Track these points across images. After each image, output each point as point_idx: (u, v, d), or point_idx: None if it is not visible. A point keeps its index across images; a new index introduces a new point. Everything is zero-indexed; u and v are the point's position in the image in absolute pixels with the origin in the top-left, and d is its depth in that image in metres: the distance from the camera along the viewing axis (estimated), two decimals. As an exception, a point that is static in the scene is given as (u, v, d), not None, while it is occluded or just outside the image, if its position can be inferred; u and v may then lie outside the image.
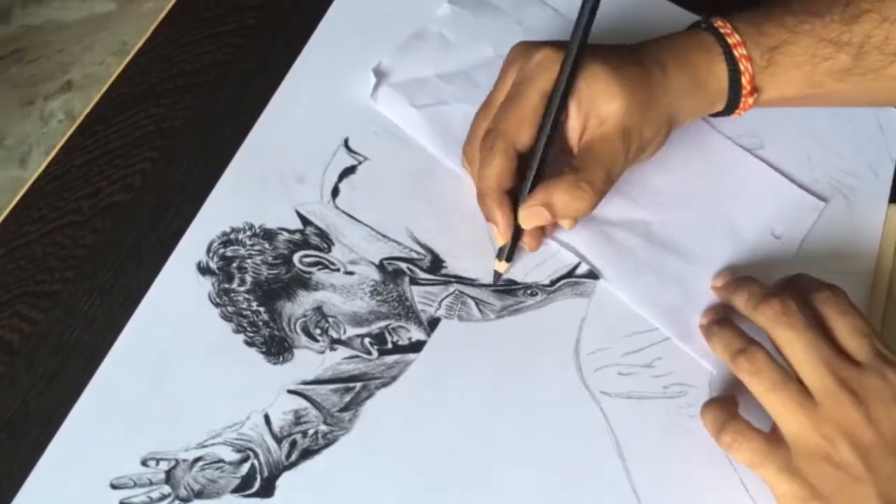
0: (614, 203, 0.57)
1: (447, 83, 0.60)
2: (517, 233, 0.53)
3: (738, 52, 0.52)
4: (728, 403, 0.50)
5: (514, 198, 0.53)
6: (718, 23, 0.53)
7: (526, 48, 0.53)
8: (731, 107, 0.54)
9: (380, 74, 0.59)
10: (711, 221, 0.57)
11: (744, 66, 0.52)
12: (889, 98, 0.56)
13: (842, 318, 0.47)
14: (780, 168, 0.59)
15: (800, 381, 0.46)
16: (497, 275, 0.55)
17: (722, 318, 0.52)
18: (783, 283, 0.52)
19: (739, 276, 0.53)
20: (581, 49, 0.50)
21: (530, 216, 0.52)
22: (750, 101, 0.53)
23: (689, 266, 0.56)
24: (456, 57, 0.61)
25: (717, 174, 0.59)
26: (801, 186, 0.58)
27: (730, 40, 0.52)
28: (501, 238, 0.53)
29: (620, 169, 0.52)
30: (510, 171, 0.51)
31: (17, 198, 0.56)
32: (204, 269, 0.54)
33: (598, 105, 0.51)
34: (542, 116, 0.51)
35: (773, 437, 0.47)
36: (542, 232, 0.55)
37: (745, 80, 0.52)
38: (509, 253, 0.54)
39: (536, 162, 0.52)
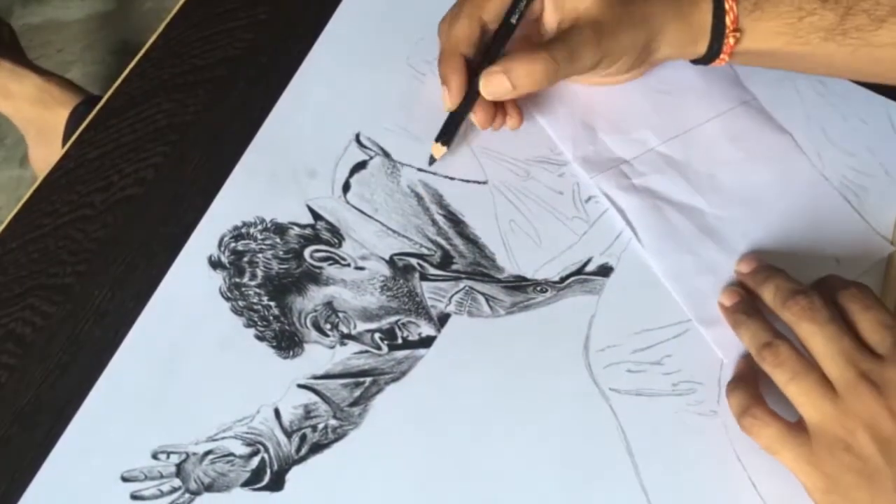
0: (678, 185, 0.58)
1: None
2: (458, 116, 0.54)
3: None
4: (753, 388, 0.50)
5: (473, 72, 0.53)
6: None
7: None
8: (713, 48, 0.54)
9: None
10: (767, 230, 0.57)
11: (729, 4, 0.52)
12: (877, 70, 0.56)
13: (865, 312, 0.48)
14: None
15: (822, 374, 0.46)
16: (432, 159, 0.56)
17: (750, 308, 0.52)
18: (812, 283, 0.52)
19: (766, 265, 0.53)
20: None
21: (489, 81, 0.52)
22: (731, 41, 0.53)
23: (729, 260, 0.56)
24: None
25: (789, 191, 0.58)
26: (866, 222, 0.58)
27: None
28: (450, 101, 0.54)
29: (588, 60, 0.52)
30: (471, 38, 0.53)
31: (31, 191, 0.55)
32: (215, 264, 0.54)
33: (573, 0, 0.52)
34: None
35: (795, 426, 0.47)
36: (494, 111, 0.56)
37: (728, 20, 0.52)
38: (448, 133, 0.54)
39: (502, 33, 0.53)
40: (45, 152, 1.10)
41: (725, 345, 0.53)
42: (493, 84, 0.52)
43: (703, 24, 0.53)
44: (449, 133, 0.55)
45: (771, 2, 0.53)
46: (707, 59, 0.55)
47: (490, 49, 0.54)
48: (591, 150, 0.59)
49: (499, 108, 0.57)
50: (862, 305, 0.48)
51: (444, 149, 0.55)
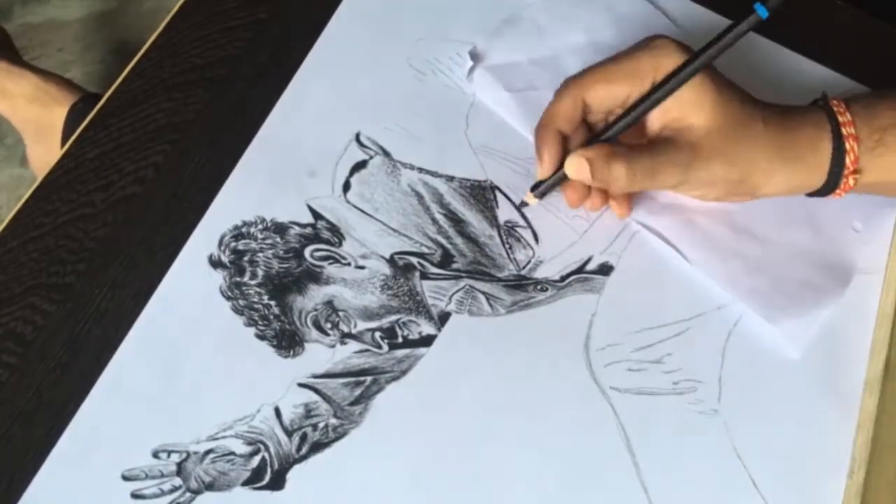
0: None
1: (539, 68, 0.61)
2: (559, 178, 0.54)
3: (847, 130, 0.51)
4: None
5: (568, 145, 0.54)
6: (833, 101, 0.52)
7: (657, 35, 0.53)
8: (830, 186, 0.52)
9: (475, 57, 0.60)
10: (793, 210, 0.57)
11: (850, 144, 0.51)
12: None
13: None
14: None
15: None
16: (523, 203, 0.56)
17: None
18: None
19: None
20: (705, 65, 0.51)
21: (571, 163, 0.52)
22: (851, 181, 0.52)
23: (771, 253, 0.56)
24: (548, 42, 0.62)
25: None
26: None
27: (840, 118, 0.51)
28: (542, 172, 0.54)
29: (670, 178, 0.51)
30: (571, 115, 0.53)
31: (31, 190, 0.55)
32: (215, 263, 0.54)
33: (687, 112, 0.51)
34: (623, 86, 0.52)
35: None
36: (587, 194, 0.55)
37: (848, 161, 0.51)
38: (543, 189, 0.55)
39: (608, 130, 0.53)
40: (44, 151, 1.10)
41: (796, 338, 0.54)
42: (574, 167, 0.52)
43: (820, 165, 0.51)
44: (544, 189, 0.55)
45: (893, 135, 0.51)
46: (821, 193, 0.54)
47: (596, 133, 0.54)
48: None
49: (597, 193, 0.56)
50: None
51: (536, 200, 0.56)
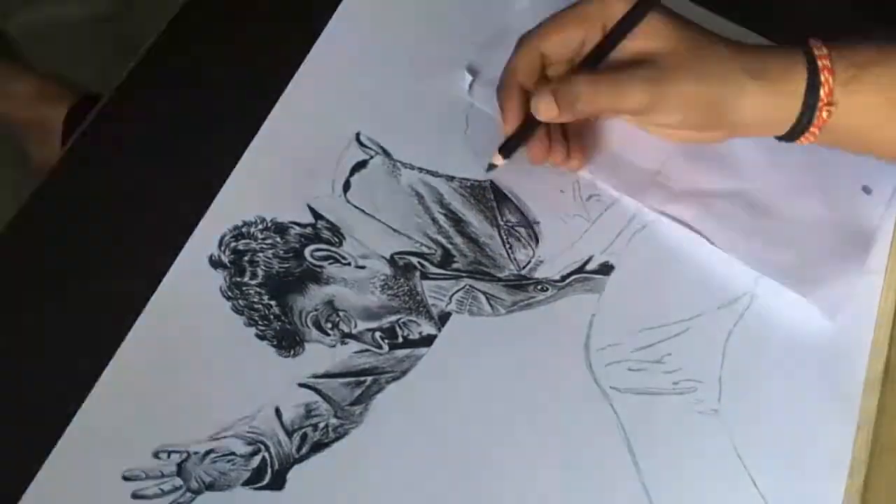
0: (710, 176, 0.58)
1: None
2: (523, 131, 0.54)
3: (822, 63, 0.49)
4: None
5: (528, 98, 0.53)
6: (811, 39, 0.50)
7: None
8: (804, 119, 0.50)
9: (473, 72, 0.60)
10: (803, 180, 0.58)
11: (825, 77, 0.49)
12: None
13: None
14: None
15: None
16: (490, 165, 0.55)
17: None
18: None
19: None
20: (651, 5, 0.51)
21: (537, 101, 0.51)
22: (825, 114, 0.50)
23: (790, 227, 0.57)
24: None
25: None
26: None
27: (816, 52, 0.50)
28: (506, 127, 0.54)
29: (634, 95, 0.50)
30: (530, 68, 0.54)
31: (31, 191, 0.55)
32: (216, 263, 0.54)
33: (645, 44, 0.50)
34: (577, 33, 0.52)
35: None
36: (548, 148, 0.55)
37: (823, 92, 0.49)
38: (510, 147, 0.54)
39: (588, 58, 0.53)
40: (44, 151, 1.10)
41: (830, 306, 0.54)
42: (541, 102, 0.51)
43: (792, 93, 0.50)
44: (510, 148, 0.54)
45: (871, 72, 0.49)
46: (793, 134, 0.51)
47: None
48: (624, 176, 0.58)
49: (558, 146, 0.56)
50: None
51: (503, 160, 0.55)
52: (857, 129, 0.51)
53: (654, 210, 0.57)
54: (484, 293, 0.54)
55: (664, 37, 0.50)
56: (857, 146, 0.53)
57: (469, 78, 0.60)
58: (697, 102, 0.50)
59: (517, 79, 0.54)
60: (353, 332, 0.53)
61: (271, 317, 0.53)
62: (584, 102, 0.51)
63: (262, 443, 0.50)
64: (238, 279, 0.54)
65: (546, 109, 0.51)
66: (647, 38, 0.51)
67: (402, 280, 0.54)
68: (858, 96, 0.50)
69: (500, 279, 0.55)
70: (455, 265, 0.55)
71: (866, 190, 0.58)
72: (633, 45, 0.51)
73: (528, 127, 0.54)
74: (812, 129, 0.51)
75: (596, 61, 0.52)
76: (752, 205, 0.57)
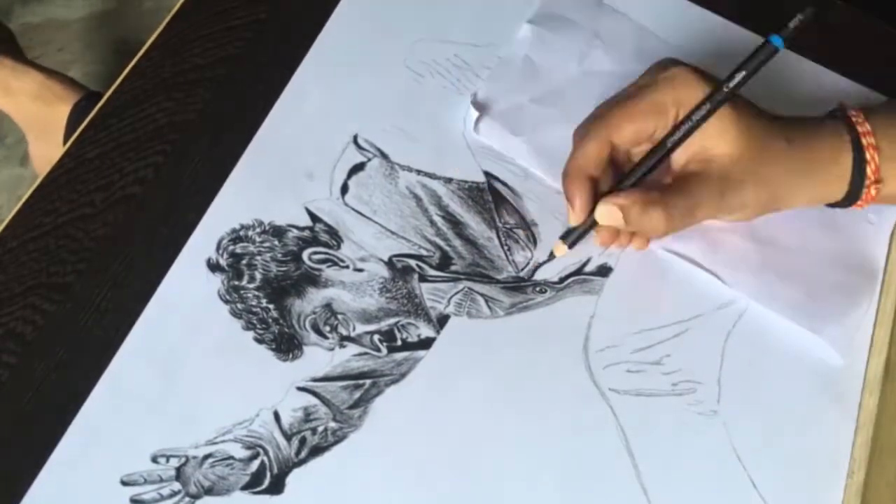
0: None
1: (542, 106, 0.60)
2: (589, 226, 0.53)
3: (867, 140, 0.51)
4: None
5: (598, 189, 0.52)
6: (851, 112, 0.52)
7: (668, 61, 0.52)
8: (852, 197, 0.52)
9: (479, 107, 0.59)
10: (806, 214, 0.57)
11: (870, 154, 0.51)
12: None
13: None
14: None
15: None
16: (551, 254, 0.55)
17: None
18: None
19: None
20: (729, 97, 0.50)
21: (604, 212, 0.51)
22: (873, 191, 0.52)
23: (798, 261, 0.56)
24: (545, 78, 0.61)
25: None
26: None
27: (859, 129, 0.51)
28: (574, 220, 0.53)
29: (705, 214, 0.51)
30: (599, 159, 0.52)
31: (31, 190, 0.55)
32: (214, 266, 0.54)
33: (712, 143, 0.50)
34: (649, 123, 0.51)
35: None
36: (618, 235, 0.55)
37: (869, 170, 0.51)
38: (574, 240, 0.53)
39: (637, 170, 0.52)
40: (46, 149, 1.10)
41: (840, 344, 0.54)
42: (607, 215, 0.51)
43: (841, 176, 0.52)
44: (575, 239, 0.54)
45: None
46: (842, 205, 0.54)
47: (626, 173, 0.53)
48: None
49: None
50: None
51: (566, 249, 0.54)
52: None
53: (669, 251, 0.56)
54: (482, 295, 0.54)
55: (730, 139, 0.50)
56: None
57: (475, 115, 0.59)
58: (758, 204, 0.52)
59: (585, 169, 0.52)
60: (352, 335, 0.53)
61: (269, 320, 0.53)
62: (659, 231, 0.51)
63: (261, 447, 0.50)
64: (236, 283, 0.53)
65: (612, 221, 0.51)
66: (711, 138, 0.50)
67: (400, 283, 0.54)
68: None
69: (498, 281, 0.55)
70: (453, 267, 0.55)
71: (870, 221, 0.57)
72: (695, 142, 0.51)
73: (593, 220, 0.53)
74: (860, 202, 0.53)
75: (662, 161, 0.52)
76: (759, 239, 0.57)
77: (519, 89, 0.60)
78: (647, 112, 0.51)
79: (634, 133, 0.51)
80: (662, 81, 0.51)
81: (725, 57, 0.53)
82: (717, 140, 0.50)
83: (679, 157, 0.52)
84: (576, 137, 0.53)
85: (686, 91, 0.50)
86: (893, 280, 0.56)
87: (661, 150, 0.51)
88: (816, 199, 0.53)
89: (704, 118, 0.50)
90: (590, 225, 0.53)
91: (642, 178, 0.52)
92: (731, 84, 0.50)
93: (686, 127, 0.50)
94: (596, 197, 0.52)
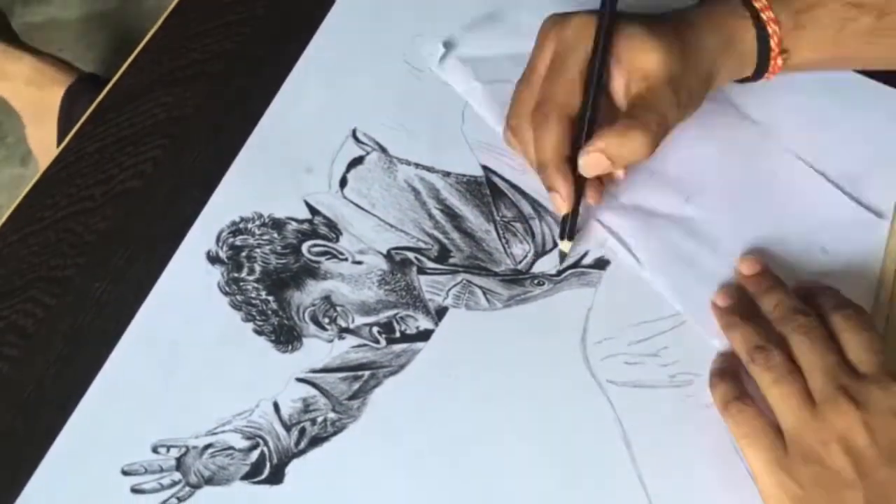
0: (664, 195, 0.57)
1: (514, 64, 0.59)
2: (576, 206, 0.53)
3: (766, 14, 0.53)
4: (740, 380, 0.51)
5: (573, 166, 0.52)
6: None
7: (559, 18, 0.54)
8: (762, 68, 0.55)
9: (448, 46, 0.61)
10: (757, 226, 0.57)
11: (772, 28, 0.53)
12: None
13: (857, 335, 0.48)
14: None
15: (806, 385, 0.47)
16: (563, 255, 0.55)
17: (744, 311, 0.52)
18: (806, 292, 0.52)
19: (769, 272, 0.54)
20: (612, 13, 0.51)
21: (589, 163, 0.51)
22: (779, 61, 0.54)
23: (725, 265, 0.55)
24: (527, 41, 0.60)
25: (771, 181, 0.58)
26: (857, 201, 0.57)
27: (757, 4, 0.53)
28: (565, 205, 0.53)
29: (675, 115, 0.52)
30: (567, 139, 0.52)
31: (31, 184, 0.56)
32: (213, 259, 0.54)
33: (638, 60, 0.51)
34: (586, 81, 0.52)
35: (777, 428, 0.48)
36: (601, 184, 0.56)
37: (773, 42, 0.53)
38: (571, 229, 0.54)
39: (586, 122, 0.52)
40: (43, 133, 1.10)
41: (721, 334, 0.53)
42: (592, 164, 0.51)
43: (750, 50, 0.54)
44: (572, 229, 0.54)
45: (811, 16, 0.53)
46: (758, 76, 0.56)
47: (580, 138, 0.53)
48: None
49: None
50: (855, 327, 0.49)
51: (570, 242, 0.54)
52: (813, 61, 0.56)
53: (594, 218, 0.56)
54: (480, 288, 0.55)
55: (649, 48, 0.51)
56: (808, 71, 0.57)
57: (442, 50, 0.60)
58: (702, 93, 0.54)
59: (562, 153, 0.52)
60: (351, 326, 0.53)
61: (269, 312, 0.53)
62: (644, 150, 0.51)
63: (261, 437, 0.50)
64: (236, 275, 0.54)
65: (599, 166, 0.51)
66: (634, 55, 0.52)
67: (399, 275, 0.55)
68: (804, 37, 0.54)
69: (496, 274, 0.55)
70: (452, 260, 0.55)
71: (824, 250, 0.56)
72: (625, 67, 0.52)
73: (579, 191, 0.53)
74: (768, 74, 0.55)
75: (600, 86, 0.53)
76: (693, 232, 0.56)
77: (497, 44, 0.61)
78: (584, 74, 0.52)
79: (575, 96, 0.52)
80: (575, 37, 0.52)
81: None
82: (639, 55, 0.51)
83: (619, 91, 0.53)
84: (517, 130, 0.54)
85: (587, 32, 0.52)
86: (889, 280, 0.56)
87: (592, 89, 0.52)
88: (734, 73, 0.55)
89: (607, 37, 0.51)
90: (577, 204, 0.53)
91: (595, 122, 0.53)
92: None
93: (597, 54, 0.51)
94: (574, 175, 0.52)
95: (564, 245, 0.54)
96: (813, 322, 0.49)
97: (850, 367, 0.47)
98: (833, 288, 0.53)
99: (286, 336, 0.53)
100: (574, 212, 0.53)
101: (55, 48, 1.43)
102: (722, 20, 0.54)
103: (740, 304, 0.53)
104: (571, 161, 0.52)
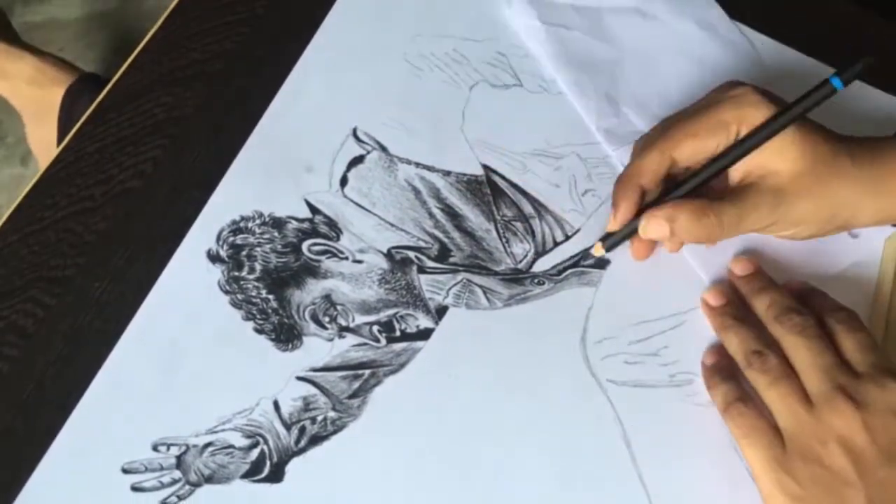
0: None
1: (578, 14, 0.62)
2: (630, 232, 0.53)
3: None
4: (739, 382, 0.51)
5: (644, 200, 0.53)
6: None
7: (735, 82, 0.52)
8: None
9: None
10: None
11: None
12: None
13: (852, 335, 0.49)
14: None
15: (802, 385, 0.48)
16: (587, 252, 0.55)
17: (738, 312, 0.53)
18: (796, 294, 0.52)
19: (762, 273, 0.54)
20: (789, 121, 0.50)
21: (650, 224, 0.51)
22: None
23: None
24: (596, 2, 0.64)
25: None
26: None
27: None
28: (614, 224, 0.53)
29: (755, 221, 0.51)
30: (656, 171, 0.51)
31: (31, 184, 0.56)
32: (214, 257, 0.54)
33: (771, 160, 0.50)
34: (711, 141, 0.51)
35: (777, 429, 0.48)
36: (654, 248, 0.55)
37: None
38: (612, 244, 0.54)
39: (689, 181, 0.52)
40: (43, 132, 1.10)
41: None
42: (653, 227, 0.51)
43: None
44: (613, 243, 0.54)
45: None
46: None
47: (678, 184, 0.53)
48: (614, 122, 0.59)
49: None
50: (849, 328, 0.49)
51: (603, 252, 0.55)
52: None
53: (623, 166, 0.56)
54: (481, 287, 0.55)
55: (791, 158, 0.50)
56: None
57: None
58: (818, 220, 0.52)
59: (640, 179, 0.52)
60: (351, 325, 0.53)
61: (269, 311, 0.53)
62: (711, 238, 0.51)
63: (261, 436, 0.50)
64: (236, 273, 0.54)
65: (658, 233, 0.51)
66: (771, 155, 0.50)
67: (399, 274, 0.55)
68: None
69: (496, 273, 0.55)
70: (452, 259, 0.55)
71: (853, 234, 0.57)
72: (753, 158, 0.51)
73: (634, 227, 0.53)
74: None
75: (717, 175, 0.52)
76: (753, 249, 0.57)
77: None
78: (709, 129, 0.51)
79: (695, 149, 0.51)
80: (728, 100, 0.51)
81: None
82: (776, 157, 0.50)
83: (735, 174, 0.52)
84: (636, 147, 0.54)
85: (751, 110, 0.50)
86: (889, 280, 0.56)
87: (716, 164, 0.51)
88: (883, 217, 0.53)
89: (765, 138, 0.50)
90: (630, 232, 0.53)
91: (692, 191, 0.52)
92: (796, 108, 0.50)
93: (746, 145, 0.50)
94: (640, 208, 0.52)
95: (598, 249, 0.54)
96: (808, 321, 0.49)
97: (846, 366, 0.47)
98: (822, 290, 0.53)
99: (286, 335, 0.53)
100: (622, 236, 0.53)
101: (56, 48, 1.44)
102: (887, 158, 0.51)
103: (734, 307, 0.53)
104: (644, 194, 0.52)
